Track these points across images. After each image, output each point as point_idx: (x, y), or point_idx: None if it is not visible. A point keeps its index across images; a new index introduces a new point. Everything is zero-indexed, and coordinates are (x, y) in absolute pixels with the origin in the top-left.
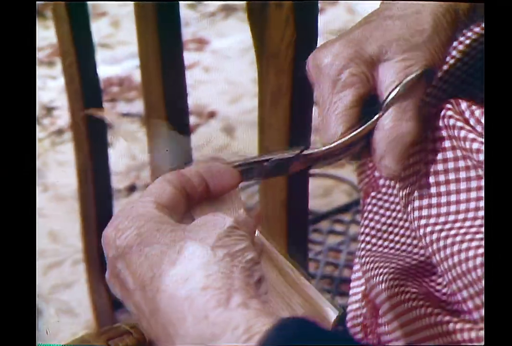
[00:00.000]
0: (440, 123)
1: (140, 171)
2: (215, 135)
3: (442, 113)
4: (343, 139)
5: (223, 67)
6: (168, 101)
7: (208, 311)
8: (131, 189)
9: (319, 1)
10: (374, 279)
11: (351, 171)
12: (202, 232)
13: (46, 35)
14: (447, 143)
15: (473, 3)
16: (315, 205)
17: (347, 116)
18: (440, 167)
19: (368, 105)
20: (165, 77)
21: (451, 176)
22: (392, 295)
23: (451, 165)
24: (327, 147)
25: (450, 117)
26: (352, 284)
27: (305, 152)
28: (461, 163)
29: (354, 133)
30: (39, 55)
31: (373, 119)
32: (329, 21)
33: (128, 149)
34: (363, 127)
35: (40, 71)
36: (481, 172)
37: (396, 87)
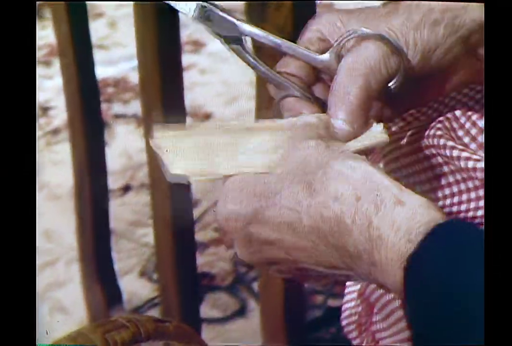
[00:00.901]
0: (429, 142)
1: (136, 171)
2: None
3: (432, 132)
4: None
5: (219, 69)
6: (165, 102)
7: (370, 218)
8: (126, 188)
9: (316, 5)
10: None
11: None
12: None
13: (43, 34)
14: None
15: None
16: None
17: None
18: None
19: None
20: (163, 78)
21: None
22: (386, 293)
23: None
24: None
25: (440, 136)
26: (347, 283)
27: None
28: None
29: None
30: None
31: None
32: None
33: (124, 149)
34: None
35: (36, 70)
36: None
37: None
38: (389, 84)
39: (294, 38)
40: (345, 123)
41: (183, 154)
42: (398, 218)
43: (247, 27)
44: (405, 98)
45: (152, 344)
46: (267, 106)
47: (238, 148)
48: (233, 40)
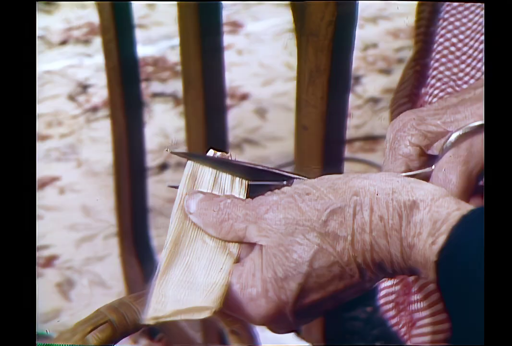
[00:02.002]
0: None
1: (173, 149)
2: (247, 116)
3: None
4: None
5: (257, 50)
6: (205, 82)
7: (398, 228)
8: (163, 167)
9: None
10: None
11: (382, 156)
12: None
13: (83, 14)
14: None
15: None
16: None
17: None
18: None
19: None
20: (204, 58)
21: None
22: None
23: None
24: None
25: None
26: None
27: None
28: None
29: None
30: (76, 33)
31: (425, 169)
32: (362, 8)
33: (161, 128)
34: (410, 173)
35: (76, 49)
36: None
37: (451, 136)
38: None
39: (334, 18)
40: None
41: None
42: (417, 221)
43: None
44: None
45: None
46: (307, 82)
47: None
48: None
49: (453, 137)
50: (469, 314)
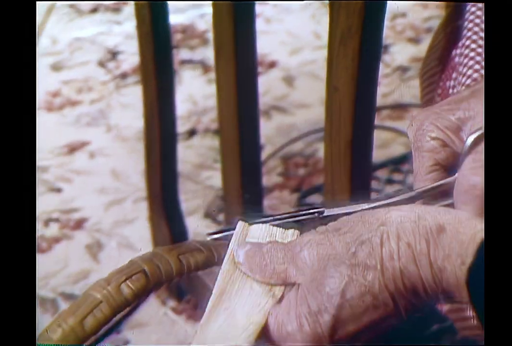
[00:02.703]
0: None
1: (201, 116)
2: (276, 84)
3: None
4: (411, 193)
5: (285, 19)
6: (237, 48)
7: (427, 254)
8: (192, 133)
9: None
10: None
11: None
12: None
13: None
14: None
15: None
16: (373, 155)
17: (427, 181)
18: None
19: None
20: (236, 25)
21: None
22: None
23: None
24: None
25: None
26: None
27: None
28: None
29: (422, 189)
30: (106, 1)
31: (449, 179)
32: None
33: (189, 94)
34: (434, 184)
35: (106, 16)
36: None
37: (467, 140)
38: None
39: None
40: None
41: None
42: (445, 245)
43: None
44: None
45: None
46: (339, 43)
47: None
48: None
49: (468, 141)
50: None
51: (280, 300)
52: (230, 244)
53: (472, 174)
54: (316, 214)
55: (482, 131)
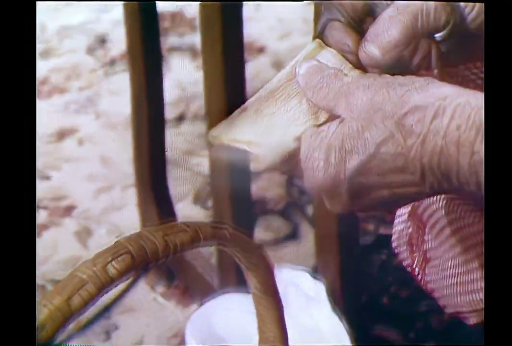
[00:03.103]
0: None
1: (190, 102)
2: (264, 69)
3: None
4: None
5: (273, 5)
6: (224, 33)
7: (472, 145)
8: (180, 118)
9: None
10: None
11: None
12: None
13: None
14: None
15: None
16: None
17: None
18: None
19: None
20: (223, 10)
21: None
22: (440, 208)
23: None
24: None
25: None
26: None
27: None
28: None
29: None
30: None
31: None
32: None
33: (178, 81)
34: None
35: (93, 3)
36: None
37: None
38: (436, 34)
39: None
40: (377, 49)
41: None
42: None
43: None
44: (454, 53)
45: (205, 255)
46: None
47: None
48: None
49: None
50: None
51: (320, 125)
52: (300, 54)
53: (393, 18)
54: None
55: None
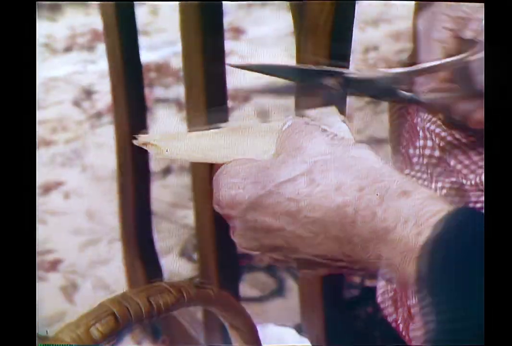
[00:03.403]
0: None
1: None
2: (249, 118)
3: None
4: (426, 64)
5: (258, 55)
6: (207, 86)
7: (373, 209)
8: (167, 171)
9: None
10: None
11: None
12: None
13: (87, 21)
14: None
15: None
16: None
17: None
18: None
19: None
20: (206, 63)
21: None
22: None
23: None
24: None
25: None
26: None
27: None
28: None
29: (435, 63)
30: (80, 40)
31: (464, 55)
32: (363, 11)
33: (164, 132)
34: (448, 59)
35: (81, 55)
36: None
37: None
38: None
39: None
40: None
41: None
42: (404, 209)
43: None
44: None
45: (191, 310)
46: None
47: (233, 146)
48: None
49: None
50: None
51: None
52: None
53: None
54: (340, 75)
55: None
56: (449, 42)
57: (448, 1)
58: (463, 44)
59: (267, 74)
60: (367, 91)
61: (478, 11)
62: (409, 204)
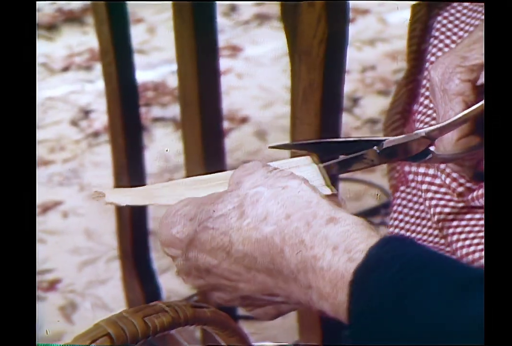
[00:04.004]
0: None
1: (174, 173)
2: (248, 139)
3: None
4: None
5: (256, 74)
6: (203, 105)
7: (301, 236)
8: None
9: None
10: None
11: (381, 176)
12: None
13: (84, 40)
14: None
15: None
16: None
17: (456, 126)
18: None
19: None
20: (201, 82)
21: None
22: None
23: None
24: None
25: None
26: None
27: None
28: None
29: (453, 119)
30: (77, 60)
31: (476, 105)
32: (360, 31)
33: (161, 152)
34: (464, 112)
35: (78, 75)
36: None
37: None
38: None
39: (326, 36)
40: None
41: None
42: (332, 235)
43: None
44: None
45: (189, 328)
46: (301, 99)
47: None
48: None
49: None
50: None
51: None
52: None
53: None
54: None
55: None
56: (469, 94)
57: (448, 1)
58: (481, 91)
59: (307, 150)
60: (401, 156)
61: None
62: (337, 230)
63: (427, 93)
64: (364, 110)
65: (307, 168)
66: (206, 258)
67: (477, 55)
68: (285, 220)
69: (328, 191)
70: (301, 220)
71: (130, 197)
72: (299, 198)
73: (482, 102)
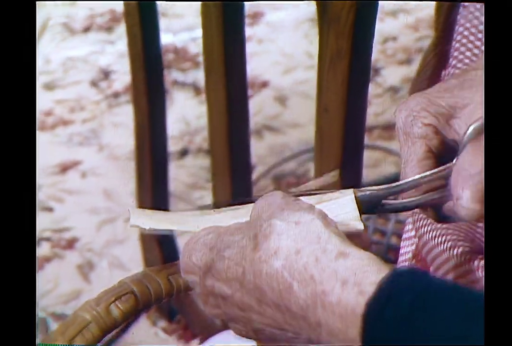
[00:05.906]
0: None
1: (193, 136)
2: (268, 104)
3: None
4: (411, 179)
5: (277, 39)
6: (227, 71)
7: (310, 271)
8: (184, 152)
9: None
10: (427, 235)
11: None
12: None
13: (106, 1)
14: None
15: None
16: (364, 175)
17: (420, 168)
18: None
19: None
20: (226, 48)
21: None
22: (445, 250)
23: None
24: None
25: None
26: (402, 244)
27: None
28: None
29: (424, 175)
30: (99, 20)
31: (447, 165)
32: (382, 3)
33: (182, 115)
34: (435, 170)
35: (98, 36)
36: None
37: (468, 129)
38: None
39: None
40: (473, 201)
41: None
42: (341, 270)
43: None
44: None
45: None
46: (328, 67)
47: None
48: None
49: (470, 130)
50: None
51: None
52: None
53: (474, 161)
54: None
55: (482, 120)
56: (431, 137)
57: (447, 1)
58: (444, 139)
59: None
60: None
61: (459, 108)
62: (347, 264)
63: (460, 56)
64: (386, 79)
65: (346, 198)
66: (222, 287)
67: (443, 104)
68: (295, 255)
69: (361, 225)
70: (310, 256)
71: (155, 221)
72: (309, 233)
73: (447, 165)
